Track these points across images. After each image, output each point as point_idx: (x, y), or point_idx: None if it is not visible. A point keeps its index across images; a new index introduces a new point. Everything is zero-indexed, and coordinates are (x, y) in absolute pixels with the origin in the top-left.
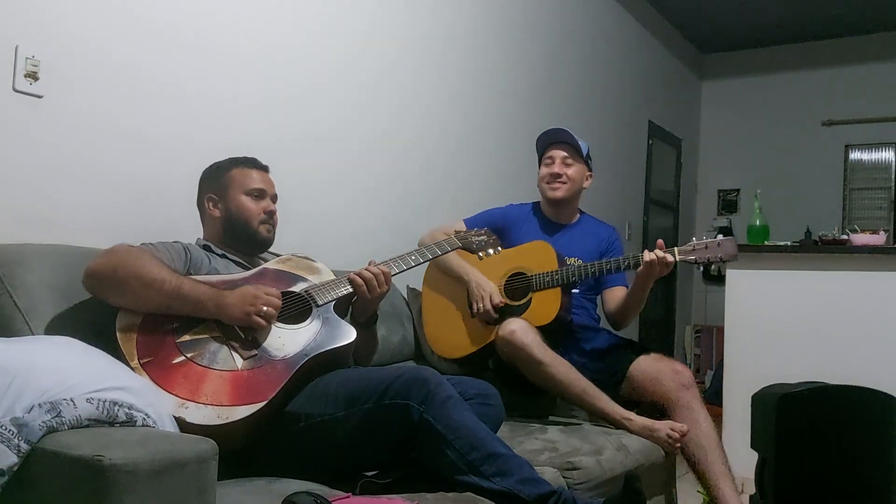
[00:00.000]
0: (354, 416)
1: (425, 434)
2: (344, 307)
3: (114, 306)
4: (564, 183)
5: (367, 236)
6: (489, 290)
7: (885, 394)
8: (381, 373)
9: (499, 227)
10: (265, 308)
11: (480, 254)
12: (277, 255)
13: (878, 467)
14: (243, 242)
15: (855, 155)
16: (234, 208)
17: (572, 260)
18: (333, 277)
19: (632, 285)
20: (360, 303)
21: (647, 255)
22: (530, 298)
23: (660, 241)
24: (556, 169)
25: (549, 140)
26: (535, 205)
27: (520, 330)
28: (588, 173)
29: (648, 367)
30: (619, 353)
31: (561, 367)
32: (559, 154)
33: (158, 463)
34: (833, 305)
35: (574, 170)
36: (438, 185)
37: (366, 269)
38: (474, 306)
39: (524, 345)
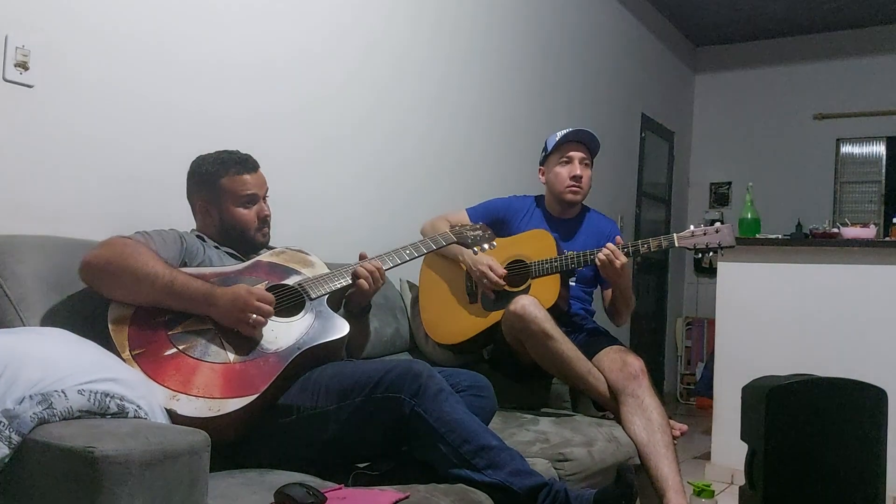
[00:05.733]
0: (346, 410)
1: (417, 427)
2: (337, 300)
3: (108, 298)
4: (582, 188)
5: (370, 236)
6: (487, 262)
7: (874, 386)
8: (373, 366)
9: (501, 218)
10: (254, 317)
11: (475, 248)
12: (271, 248)
13: (866, 459)
14: (239, 246)
15: (846, 149)
16: (229, 219)
17: (571, 254)
18: (327, 271)
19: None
20: (357, 295)
21: (599, 255)
22: (529, 285)
23: (618, 237)
24: (578, 170)
25: (573, 138)
26: (538, 198)
27: (531, 304)
28: None
29: (605, 357)
30: (589, 344)
31: (568, 345)
32: (578, 155)
33: (150, 454)
34: (823, 298)
35: (589, 172)
36: (441, 182)
37: (367, 264)
38: (479, 285)
39: (536, 318)
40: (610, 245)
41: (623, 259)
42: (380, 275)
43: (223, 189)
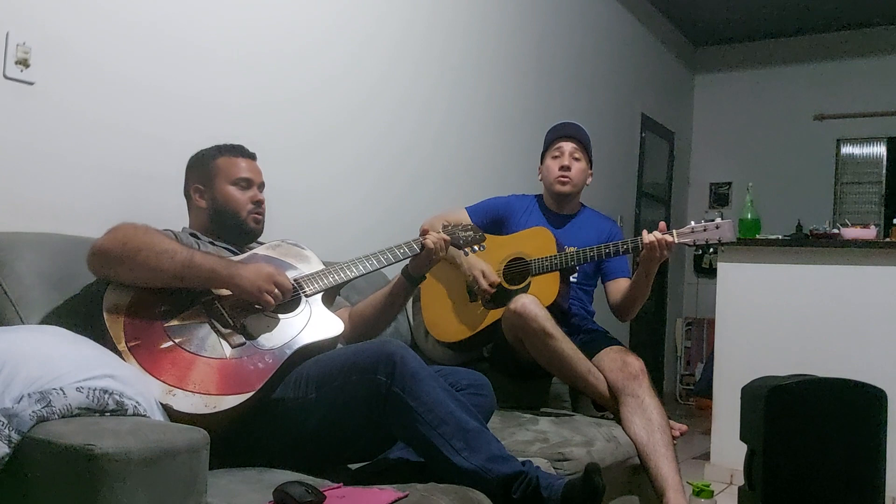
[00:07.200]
0: (326, 397)
1: (395, 407)
2: (331, 297)
3: (123, 283)
4: (571, 179)
5: (365, 232)
6: (481, 268)
7: (874, 387)
8: (349, 350)
9: (500, 217)
10: (276, 290)
11: (466, 249)
12: (262, 244)
13: (865, 459)
14: (231, 233)
15: (846, 149)
16: (221, 199)
17: (571, 250)
18: (322, 267)
19: (636, 273)
20: (421, 263)
21: (647, 237)
22: (529, 282)
23: (661, 223)
24: (566, 161)
25: (560, 133)
26: (538, 197)
27: (531, 303)
28: (589, 171)
29: (605, 357)
30: (589, 344)
31: (568, 344)
32: (568, 146)
33: (150, 452)
34: (823, 299)
35: (581, 164)
36: (434, 176)
37: (434, 235)
38: (472, 287)
39: (536, 316)
40: (664, 233)
41: (671, 240)
42: (445, 246)
43: (217, 168)
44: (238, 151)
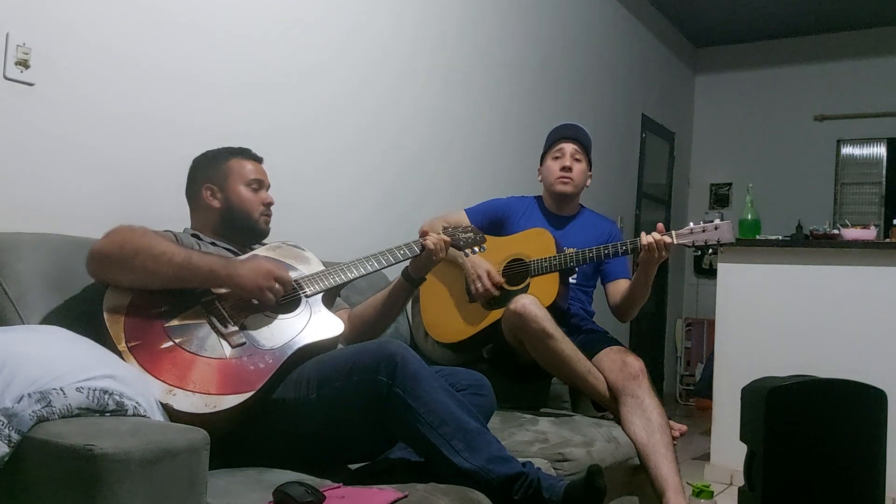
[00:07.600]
0: (327, 397)
1: (395, 408)
2: (331, 298)
3: (122, 286)
4: (572, 179)
5: (359, 227)
6: (485, 267)
7: (874, 387)
8: (350, 350)
9: (500, 218)
10: (277, 285)
11: (467, 251)
12: (263, 245)
13: (865, 460)
14: (241, 233)
15: (847, 150)
16: (236, 199)
17: (570, 251)
18: (322, 268)
19: (635, 274)
20: (421, 264)
21: (646, 238)
22: (528, 283)
23: (660, 224)
24: (567, 162)
25: (561, 134)
26: (537, 198)
27: (532, 303)
28: (589, 173)
29: (605, 358)
30: (589, 344)
31: (568, 345)
32: (570, 147)
33: (150, 452)
34: (823, 300)
35: (582, 165)
36: (430, 176)
37: (435, 237)
38: (472, 287)
39: (536, 316)
40: (662, 234)
41: (670, 241)
42: (445, 247)
43: (231, 169)
44: (247, 154)
